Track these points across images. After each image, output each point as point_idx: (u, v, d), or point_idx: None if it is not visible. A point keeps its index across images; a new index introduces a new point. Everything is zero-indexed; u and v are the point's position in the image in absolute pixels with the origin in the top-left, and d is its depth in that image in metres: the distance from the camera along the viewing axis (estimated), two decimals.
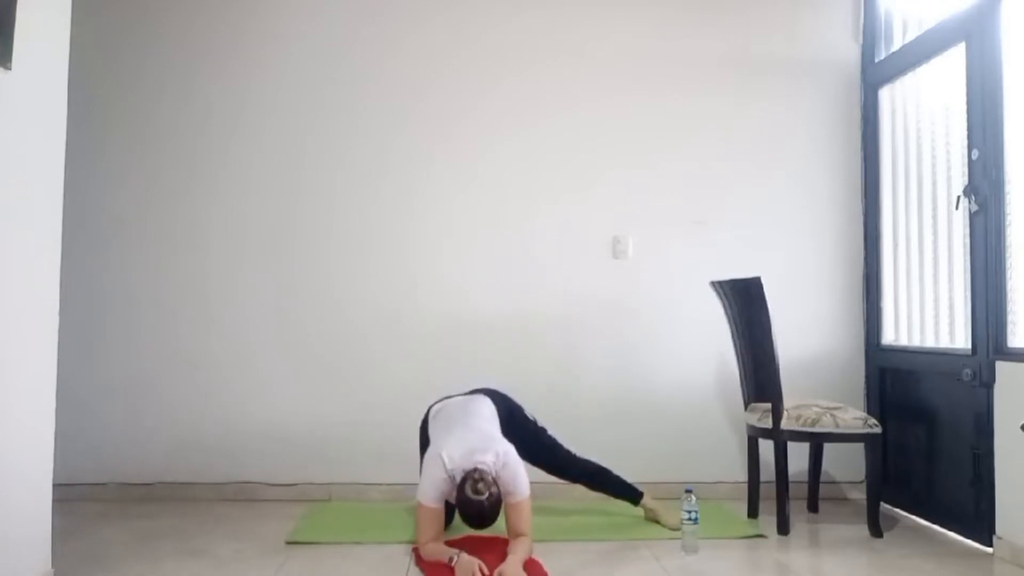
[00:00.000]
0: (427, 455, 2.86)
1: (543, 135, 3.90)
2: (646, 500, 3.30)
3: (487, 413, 3.05)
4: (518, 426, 3.13)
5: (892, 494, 3.59)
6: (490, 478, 2.66)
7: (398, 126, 3.87)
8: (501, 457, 2.75)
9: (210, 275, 3.79)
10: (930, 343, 3.44)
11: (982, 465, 2.97)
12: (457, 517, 3.10)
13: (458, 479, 2.70)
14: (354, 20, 3.89)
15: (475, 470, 2.67)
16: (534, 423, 3.24)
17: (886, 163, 3.82)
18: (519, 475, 2.76)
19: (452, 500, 2.79)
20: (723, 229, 3.91)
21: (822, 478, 3.63)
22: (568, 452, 3.25)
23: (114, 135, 3.80)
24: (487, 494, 2.62)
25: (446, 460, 2.73)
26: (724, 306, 3.50)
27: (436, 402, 3.20)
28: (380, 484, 3.72)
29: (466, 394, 3.19)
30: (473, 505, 2.62)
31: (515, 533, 2.74)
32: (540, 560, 2.69)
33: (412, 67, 3.89)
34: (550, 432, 3.25)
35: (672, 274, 3.89)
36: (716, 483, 3.80)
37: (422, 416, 3.20)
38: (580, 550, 2.93)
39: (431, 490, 2.75)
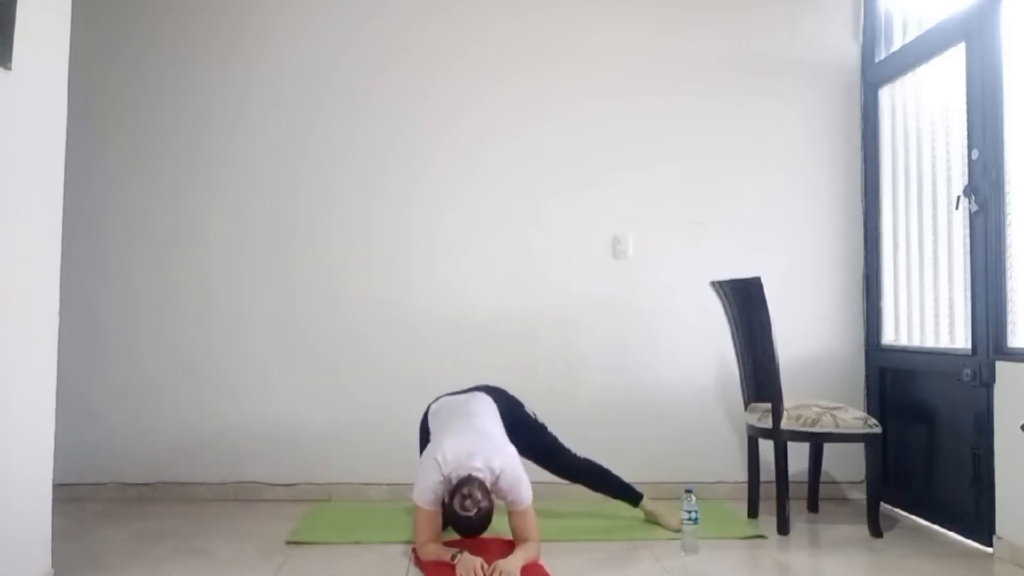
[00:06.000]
0: (424, 455, 2.84)
1: (543, 135, 3.90)
2: (645, 502, 3.29)
3: (489, 412, 3.01)
4: (518, 422, 3.11)
5: (892, 494, 3.59)
6: (478, 494, 2.59)
7: (398, 126, 3.87)
8: (499, 466, 2.69)
9: (210, 275, 3.79)
10: (930, 343, 3.44)
11: (982, 465, 2.97)
12: None
13: (453, 482, 2.65)
14: (354, 22, 3.89)
15: (467, 480, 2.61)
16: (534, 419, 3.23)
17: (886, 163, 3.82)
18: (520, 483, 2.71)
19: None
20: (723, 229, 3.91)
21: (822, 478, 3.63)
22: (568, 451, 3.24)
23: (114, 135, 3.80)
24: (475, 511, 2.57)
25: (441, 463, 2.69)
26: (724, 306, 3.50)
27: (436, 399, 3.18)
28: (380, 484, 3.72)
29: (466, 391, 3.18)
30: (461, 520, 2.60)
31: (522, 540, 2.71)
32: (542, 562, 2.68)
33: (412, 67, 3.88)
34: (550, 429, 3.25)
35: (672, 274, 3.89)
36: (716, 483, 3.80)
37: (421, 413, 3.19)
38: (580, 550, 2.93)
39: (427, 493, 2.72)
